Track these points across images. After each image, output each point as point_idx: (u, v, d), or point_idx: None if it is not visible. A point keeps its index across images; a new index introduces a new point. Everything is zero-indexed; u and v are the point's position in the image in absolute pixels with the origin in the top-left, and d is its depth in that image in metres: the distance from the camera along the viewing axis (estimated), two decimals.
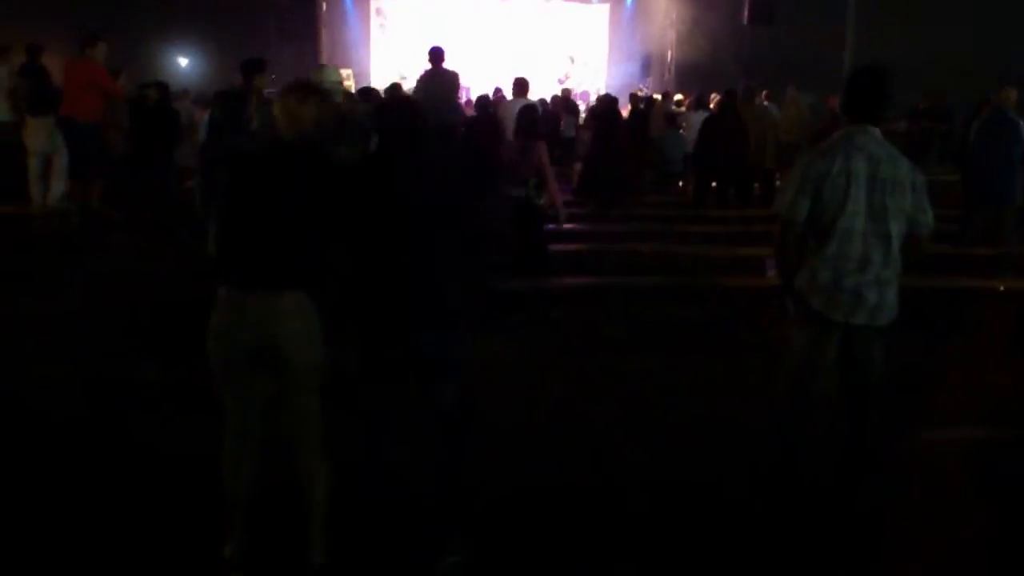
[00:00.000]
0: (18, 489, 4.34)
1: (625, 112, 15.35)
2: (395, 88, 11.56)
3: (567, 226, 9.39)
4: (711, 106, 13.71)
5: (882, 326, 4.08)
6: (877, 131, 4.07)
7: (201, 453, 3.90)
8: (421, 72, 11.95)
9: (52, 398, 5.48)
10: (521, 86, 12.39)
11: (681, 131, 13.23)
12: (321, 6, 23.76)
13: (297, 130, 3.55)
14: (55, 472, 4.52)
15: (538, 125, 8.19)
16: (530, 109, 8.07)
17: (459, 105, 12.29)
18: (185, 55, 24.14)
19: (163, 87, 11.91)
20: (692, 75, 22.33)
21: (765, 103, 13.73)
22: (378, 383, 3.74)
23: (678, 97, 15.78)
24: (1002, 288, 8.34)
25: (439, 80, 11.45)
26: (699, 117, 13.05)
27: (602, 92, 20.02)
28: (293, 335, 3.46)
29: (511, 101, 12.69)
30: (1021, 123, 9.35)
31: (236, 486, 3.63)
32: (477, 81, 19.60)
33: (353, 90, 13.87)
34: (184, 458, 4.45)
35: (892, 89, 4.10)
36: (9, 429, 5.01)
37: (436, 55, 11.39)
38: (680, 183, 13.77)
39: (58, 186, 10.96)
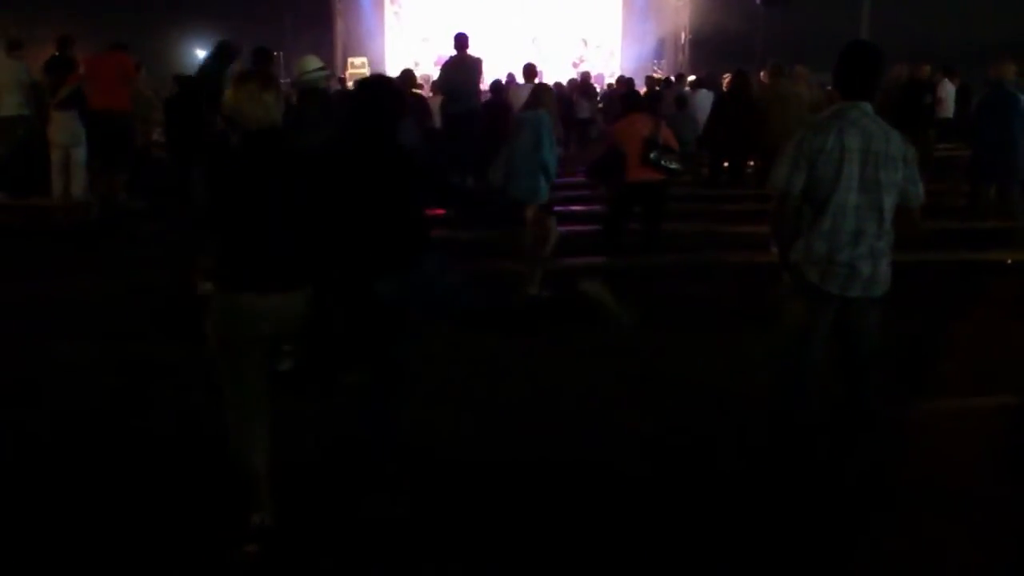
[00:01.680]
0: (39, 469, 4.50)
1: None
2: (407, 75, 11.68)
3: (577, 208, 9.54)
4: (724, 86, 13.75)
5: (876, 297, 4.19)
6: (869, 106, 4.16)
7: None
8: (445, 58, 12.10)
9: (73, 378, 5.68)
10: (529, 71, 12.54)
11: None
12: None
13: (266, 116, 3.54)
14: (76, 450, 4.70)
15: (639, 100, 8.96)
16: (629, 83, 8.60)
17: (479, 91, 12.43)
18: (202, 47, 24.29)
19: (185, 80, 12.09)
20: (706, 56, 22.36)
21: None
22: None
23: (692, 78, 15.83)
24: (1009, 261, 8.42)
25: (463, 67, 11.59)
26: (707, 97, 13.11)
27: (616, 75, 20.09)
28: (299, 322, 3.62)
29: (521, 86, 12.84)
30: (1021, 97, 9.41)
31: (252, 460, 3.69)
32: (491, 66, 19.69)
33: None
34: (204, 437, 4.61)
35: (883, 65, 4.22)
36: (32, 409, 5.21)
37: (461, 42, 11.53)
38: (694, 163, 13.84)
39: (79, 178, 11.18)
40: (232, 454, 3.72)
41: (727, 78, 13.82)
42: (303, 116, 7.00)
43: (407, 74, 11.93)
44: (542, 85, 8.69)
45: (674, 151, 8.52)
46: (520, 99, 12.48)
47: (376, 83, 4.37)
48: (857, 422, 4.31)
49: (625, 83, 16.10)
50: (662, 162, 8.30)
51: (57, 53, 11.36)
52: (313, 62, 7.60)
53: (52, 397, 5.42)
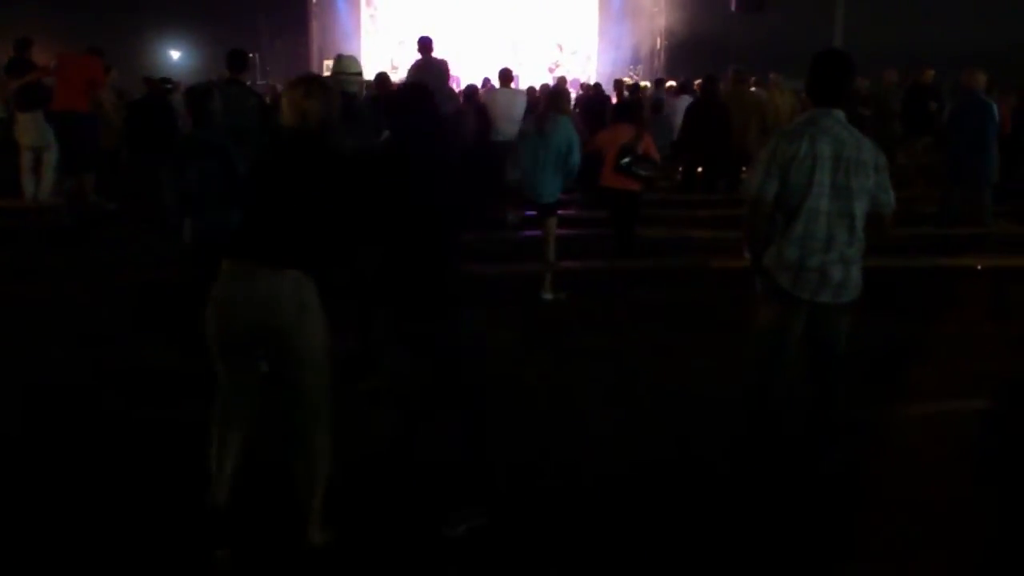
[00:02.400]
0: (18, 473, 4.47)
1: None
2: (382, 78, 11.66)
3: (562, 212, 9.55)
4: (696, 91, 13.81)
5: (847, 303, 4.23)
6: (841, 113, 4.20)
7: (193, 435, 4.01)
8: (412, 62, 12.07)
9: (49, 382, 5.64)
10: (505, 76, 12.54)
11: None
12: None
13: (302, 122, 3.69)
14: (48, 452, 4.68)
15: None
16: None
17: (452, 94, 12.40)
18: (177, 48, 24.22)
19: (152, 81, 12.08)
20: (682, 62, 22.43)
21: (753, 88, 13.82)
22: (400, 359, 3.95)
23: (671, 83, 15.86)
24: (980, 267, 8.49)
25: (429, 69, 11.56)
26: (683, 103, 13.15)
27: (592, 80, 20.12)
28: (292, 311, 3.55)
29: (498, 91, 12.82)
30: (993, 104, 9.51)
31: (222, 461, 3.73)
32: (467, 70, 19.69)
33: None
34: (175, 437, 4.59)
35: (854, 72, 4.25)
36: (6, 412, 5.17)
37: (425, 45, 11.52)
38: (668, 168, 13.88)
39: (48, 180, 11.09)
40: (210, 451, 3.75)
41: (699, 83, 13.88)
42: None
43: (382, 77, 11.90)
44: (560, 89, 8.78)
45: (652, 161, 8.55)
46: (497, 103, 12.51)
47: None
48: (827, 426, 4.34)
49: (593, 87, 16.19)
50: (632, 168, 8.32)
51: (14, 55, 11.22)
52: (353, 64, 7.28)
53: (25, 400, 5.37)
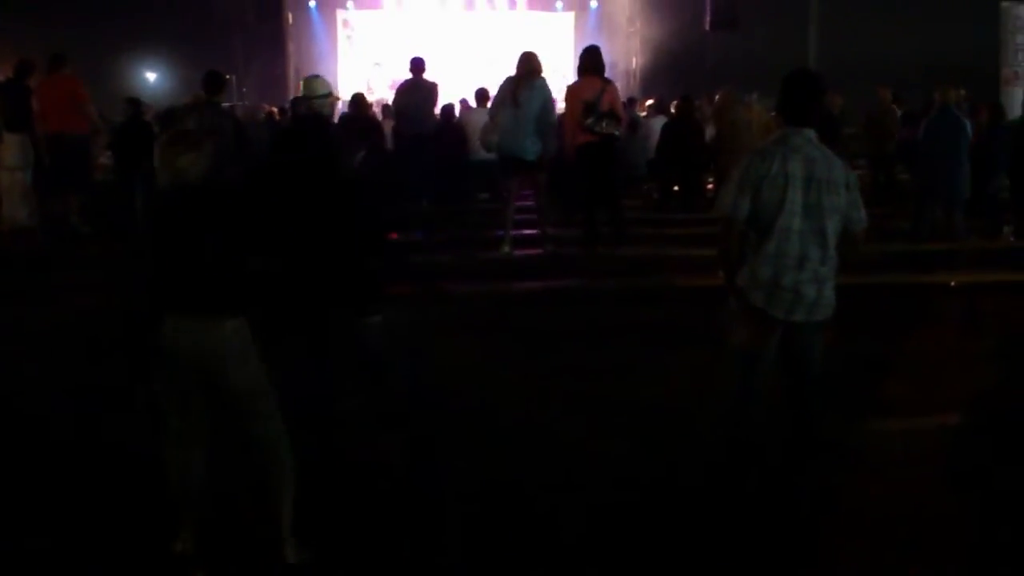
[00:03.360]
0: None
1: None
2: (358, 99, 11.69)
3: (529, 232, 9.62)
4: (672, 111, 13.89)
5: (820, 321, 4.26)
6: (812, 132, 4.24)
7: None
8: (400, 82, 12.13)
9: (24, 403, 5.63)
10: (481, 96, 12.63)
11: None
12: (287, 19, 23.81)
13: (178, 179, 3.67)
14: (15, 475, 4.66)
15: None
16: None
17: (433, 115, 12.44)
18: (152, 70, 24.17)
19: (136, 103, 12.05)
20: (656, 81, 22.56)
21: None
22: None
23: (649, 103, 15.96)
24: (953, 283, 8.56)
25: (418, 91, 11.64)
26: (659, 122, 13.25)
27: None
28: (229, 355, 3.62)
29: (474, 110, 12.90)
30: (967, 121, 9.62)
31: (184, 488, 3.76)
32: (444, 91, 19.70)
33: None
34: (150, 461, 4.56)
35: (824, 92, 4.30)
36: None
37: (417, 66, 11.62)
38: (645, 187, 13.96)
39: (26, 202, 11.06)
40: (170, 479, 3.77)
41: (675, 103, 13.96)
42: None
43: (359, 98, 11.93)
44: (530, 54, 9.16)
45: (616, 116, 9.13)
46: (473, 123, 12.56)
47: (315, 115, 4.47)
48: (804, 445, 4.36)
49: None
50: (595, 129, 8.92)
51: (11, 77, 11.20)
52: (322, 86, 7.17)
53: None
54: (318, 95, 7.01)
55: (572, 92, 9.08)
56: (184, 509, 3.77)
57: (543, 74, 9.05)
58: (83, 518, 4.25)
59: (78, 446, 5.01)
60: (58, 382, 6.02)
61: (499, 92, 9.10)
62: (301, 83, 7.64)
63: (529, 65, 8.86)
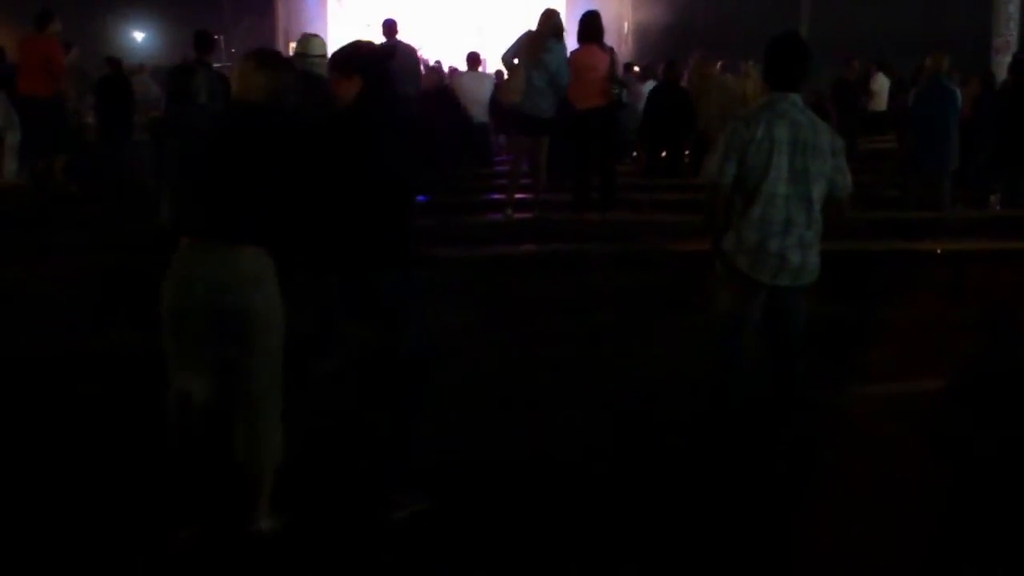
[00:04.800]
0: None
1: None
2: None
3: (520, 196, 9.63)
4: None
5: (805, 285, 4.29)
6: (798, 97, 4.25)
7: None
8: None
9: (21, 368, 5.60)
10: (473, 60, 12.57)
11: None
12: None
13: (249, 95, 3.67)
14: (22, 440, 4.65)
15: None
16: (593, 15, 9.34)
17: (418, 76, 12.35)
18: (140, 29, 23.97)
19: (116, 62, 12.00)
20: (649, 45, 22.48)
21: (721, 74, 13.84)
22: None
23: (635, 69, 15.90)
24: (939, 251, 8.60)
25: (396, 54, 11.54)
26: (647, 88, 13.21)
27: None
28: (249, 286, 3.51)
29: (465, 74, 12.85)
30: (956, 90, 9.63)
31: (187, 454, 3.65)
32: (434, 55, 19.59)
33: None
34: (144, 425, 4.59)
35: (810, 57, 4.30)
36: None
37: (389, 28, 11.52)
38: (634, 154, 13.94)
39: (12, 163, 11.00)
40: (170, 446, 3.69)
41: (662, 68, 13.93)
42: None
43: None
44: (551, 10, 9.27)
45: (623, 82, 9.70)
46: (464, 88, 12.52)
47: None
48: (785, 407, 4.41)
49: None
50: (623, 99, 9.40)
51: None
52: (319, 46, 7.06)
53: None
54: (315, 54, 6.97)
55: (576, 59, 9.02)
56: (185, 478, 3.67)
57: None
58: (87, 480, 4.24)
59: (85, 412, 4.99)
60: (54, 343, 6.02)
61: (515, 44, 9.08)
62: (296, 41, 7.53)
63: (551, 24, 8.87)
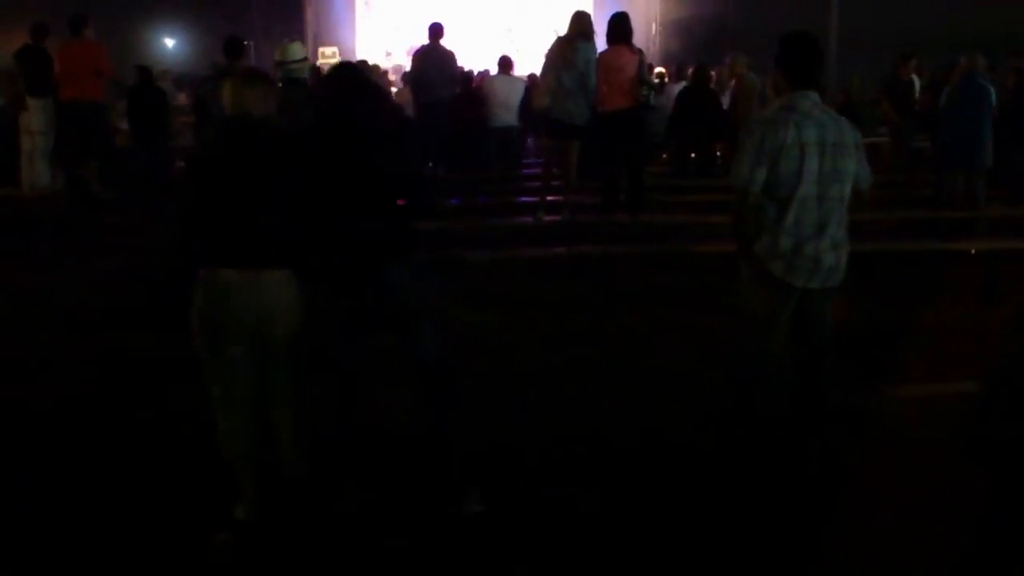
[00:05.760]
0: (21, 460, 4.49)
1: None
2: (364, 66, 11.75)
3: (550, 198, 9.63)
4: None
5: (833, 287, 4.25)
6: (816, 95, 4.19)
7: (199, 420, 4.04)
8: (417, 47, 12.09)
9: (51, 368, 5.69)
10: (504, 63, 12.59)
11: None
12: None
13: (245, 109, 3.70)
14: (56, 441, 4.69)
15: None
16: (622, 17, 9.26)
17: (454, 81, 12.34)
18: (171, 36, 24.17)
19: (146, 71, 12.12)
20: (677, 46, 22.41)
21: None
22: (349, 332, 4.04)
23: (659, 70, 15.86)
24: (973, 251, 8.52)
25: (435, 56, 11.59)
26: (677, 89, 13.18)
27: None
28: (279, 308, 3.63)
29: (495, 76, 12.86)
30: (990, 87, 9.52)
31: (242, 450, 3.75)
32: (464, 58, 19.62)
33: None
34: (181, 425, 4.64)
35: (823, 54, 4.25)
36: (10, 398, 5.18)
37: (436, 31, 11.58)
38: (664, 155, 13.91)
39: (47, 167, 11.14)
40: (221, 446, 3.78)
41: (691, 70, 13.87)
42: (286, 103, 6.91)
43: (365, 65, 11.97)
44: (581, 13, 9.29)
45: (653, 85, 9.81)
46: (495, 91, 12.52)
47: (349, 66, 4.51)
48: (816, 410, 4.36)
49: None
50: (652, 102, 9.53)
51: (31, 42, 11.21)
52: (299, 51, 7.25)
53: (30, 389, 5.38)
54: (295, 59, 7.14)
55: (604, 60, 8.99)
56: (244, 473, 3.77)
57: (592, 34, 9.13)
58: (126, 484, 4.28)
59: (134, 415, 5.03)
60: (82, 348, 6.07)
61: (549, 53, 9.16)
62: (278, 49, 7.72)
63: (580, 26, 8.90)
